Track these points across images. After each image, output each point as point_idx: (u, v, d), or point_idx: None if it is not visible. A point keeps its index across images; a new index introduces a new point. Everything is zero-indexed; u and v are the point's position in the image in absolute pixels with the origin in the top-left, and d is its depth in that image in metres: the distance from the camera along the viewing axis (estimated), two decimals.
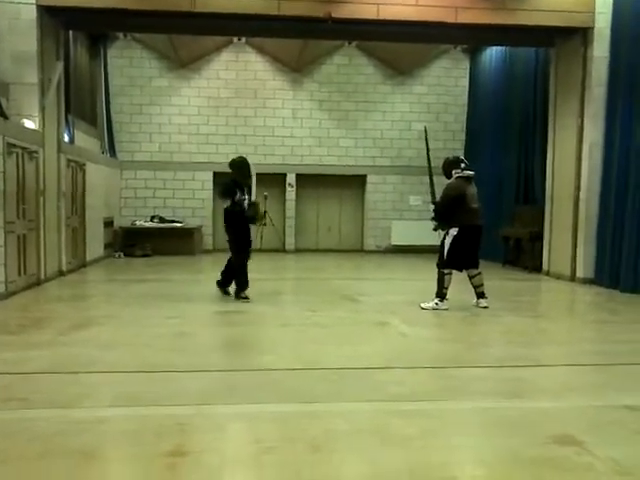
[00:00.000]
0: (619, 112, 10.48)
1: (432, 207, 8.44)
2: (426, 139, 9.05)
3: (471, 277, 8.39)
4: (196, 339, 6.47)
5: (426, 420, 4.03)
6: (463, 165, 8.34)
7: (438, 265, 8.32)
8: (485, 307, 8.28)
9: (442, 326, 7.52)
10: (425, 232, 16.47)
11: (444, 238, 8.27)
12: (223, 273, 9.06)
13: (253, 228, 9.08)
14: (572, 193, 11.35)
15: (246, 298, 8.60)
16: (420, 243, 16.30)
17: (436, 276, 8.32)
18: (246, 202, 8.66)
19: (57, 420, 3.94)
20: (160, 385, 4.77)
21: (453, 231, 8.12)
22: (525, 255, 13.30)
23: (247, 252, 8.80)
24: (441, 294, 8.20)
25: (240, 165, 8.80)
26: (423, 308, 8.15)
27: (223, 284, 9.08)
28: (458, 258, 8.16)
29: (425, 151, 8.95)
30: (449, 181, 8.35)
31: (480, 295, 8.39)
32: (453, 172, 8.31)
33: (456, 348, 6.31)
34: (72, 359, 5.53)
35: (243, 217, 8.68)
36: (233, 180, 8.74)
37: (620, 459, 3.41)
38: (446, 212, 8.21)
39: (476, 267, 8.35)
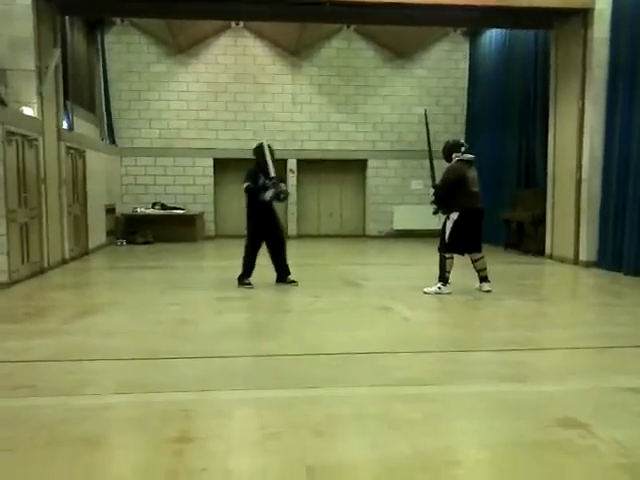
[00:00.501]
0: (620, 94, 10.42)
1: (432, 191, 8.43)
2: (426, 122, 9.00)
3: (474, 261, 8.38)
4: (198, 325, 6.48)
5: (430, 404, 4.04)
6: (463, 149, 8.31)
7: (440, 249, 8.31)
8: (488, 291, 8.27)
9: (445, 310, 7.52)
10: (427, 216, 16.50)
11: (445, 222, 8.25)
12: (278, 261, 8.97)
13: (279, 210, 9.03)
14: (574, 176, 11.31)
15: (249, 284, 8.60)
16: (422, 227, 16.26)
17: (438, 260, 8.32)
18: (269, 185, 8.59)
19: (62, 408, 3.96)
20: (163, 372, 4.78)
21: (454, 215, 8.11)
22: (527, 238, 13.28)
23: (264, 239, 8.77)
24: (444, 278, 8.20)
25: (257, 151, 8.78)
26: (426, 292, 8.15)
27: (280, 272, 8.98)
28: (459, 242, 8.15)
29: (426, 134, 8.91)
30: (449, 164, 8.33)
31: (483, 279, 8.38)
32: (453, 155, 8.28)
33: (459, 332, 6.31)
34: (76, 347, 5.54)
35: (263, 203, 8.66)
36: (256, 166, 8.72)
37: (624, 441, 3.41)
38: (446, 196, 8.19)
39: (479, 251, 8.34)
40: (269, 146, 8.82)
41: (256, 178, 8.63)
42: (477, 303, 7.82)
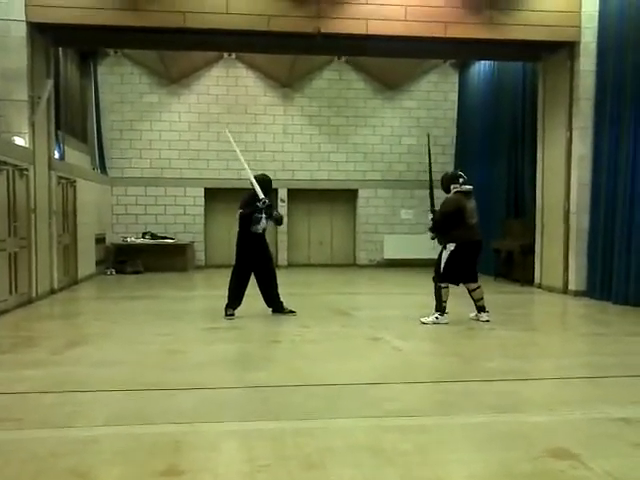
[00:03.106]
0: (606, 124, 10.58)
1: (430, 216, 8.46)
2: (428, 146, 9.12)
3: (471, 291, 8.39)
4: (188, 356, 6.43)
5: (421, 435, 4.02)
6: (462, 180, 8.36)
7: (434, 279, 8.33)
8: (487, 321, 8.27)
9: (436, 340, 7.50)
10: (417, 246, 16.73)
11: (441, 252, 8.28)
12: (268, 293, 8.95)
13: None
14: (562, 206, 11.42)
15: (232, 315, 8.56)
16: (412, 257, 16.38)
17: (433, 290, 8.33)
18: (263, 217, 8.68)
19: (51, 440, 3.91)
20: (153, 403, 4.74)
21: (450, 246, 8.13)
22: (517, 268, 13.34)
23: (253, 269, 8.76)
24: (440, 308, 8.20)
25: (260, 180, 8.81)
26: (424, 323, 8.13)
27: (271, 304, 8.94)
28: (455, 273, 8.17)
29: (427, 158, 8.98)
30: (447, 196, 8.38)
31: (481, 309, 8.38)
32: (452, 187, 8.33)
33: (450, 362, 6.30)
34: (65, 378, 5.49)
35: (255, 233, 8.70)
36: (252, 195, 8.75)
37: (615, 472, 3.40)
38: (444, 226, 8.23)
39: (475, 281, 8.35)
40: (264, 177, 8.95)
41: (250, 204, 8.66)
42: (468, 333, 7.82)
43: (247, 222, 8.68)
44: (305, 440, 3.91)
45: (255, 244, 8.76)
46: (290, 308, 8.89)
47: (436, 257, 8.45)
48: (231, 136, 9.81)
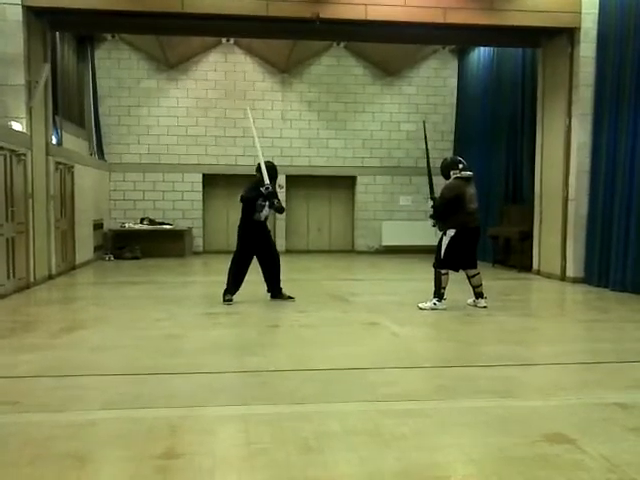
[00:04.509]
0: (606, 112, 10.55)
1: (430, 203, 8.44)
2: (425, 133, 9.10)
3: (470, 277, 8.41)
4: (185, 341, 6.44)
5: (418, 420, 4.03)
6: (461, 166, 8.35)
7: (434, 265, 8.34)
8: (484, 307, 8.29)
9: (433, 326, 7.52)
10: (415, 232, 16.74)
11: (441, 238, 8.28)
12: (270, 278, 8.97)
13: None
14: (561, 192, 11.41)
15: (230, 301, 8.57)
16: (410, 243, 16.37)
17: (433, 276, 8.34)
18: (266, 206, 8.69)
19: (48, 424, 3.92)
20: (150, 387, 4.75)
21: (451, 232, 8.14)
22: (515, 254, 13.35)
23: (255, 255, 8.81)
24: (439, 294, 8.21)
25: (268, 167, 8.74)
26: (421, 308, 8.15)
27: (271, 289, 8.97)
28: (455, 259, 8.18)
29: (424, 145, 8.98)
30: (447, 182, 8.37)
31: (479, 295, 8.41)
32: (451, 173, 8.33)
33: (448, 347, 6.32)
34: (62, 362, 5.50)
35: (258, 222, 8.73)
36: (256, 181, 8.72)
37: (611, 456, 3.42)
38: (444, 212, 8.22)
39: (474, 267, 8.38)
40: (271, 164, 8.89)
41: (253, 190, 8.64)
42: (466, 319, 7.83)
43: (250, 208, 8.67)
44: (302, 424, 3.92)
45: (257, 231, 8.76)
46: (289, 294, 8.90)
47: (435, 244, 8.45)
48: (251, 116, 9.70)
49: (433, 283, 8.32)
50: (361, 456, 3.44)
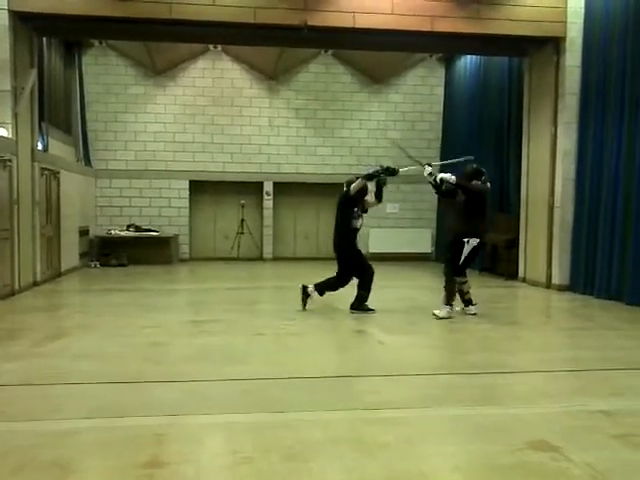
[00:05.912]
0: (591, 120, 10.64)
1: (429, 169, 8.50)
2: (401, 148, 9.19)
3: (461, 284, 8.46)
4: (171, 349, 6.42)
5: (402, 428, 4.03)
6: (484, 177, 8.53)
7: (448, 274, 8.36)
8: (474, 314, 8.34)
9: (419, 333, 7.52)
10: (402, 240, 16.75)
11: (456, 246, 8.27)
12: (328, 283, 8.96)
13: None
14: (547, 201, 11.48)
15: (371, 310, 8.53)
16: (397, 251, 16.38)
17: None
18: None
19: (32, 433, 3.89)
20: (135, 396, 4.72)
21: (474, 242, 8.21)
22: (501, 262, 13.40)
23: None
24: (451, 301, 8.27)
25: (349, 182, 9.32)
26: (439, 317, 8.10)
27: (321, 291, 8.91)
28: (465, 266, 8.37)
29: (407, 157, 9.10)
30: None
31: (469, 302, 8.46)
32: (474, 182, 8.44)
33: (433, 355, 6.34)
34: (47, 370, 5.45)
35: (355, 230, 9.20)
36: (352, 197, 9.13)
37: (595, 464, 3.44)
38: (469, 210, 8.25)
39: (464, 275, 8.49)
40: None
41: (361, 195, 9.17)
42: (452, 326, 7.85)
43: (349, 215, 9.15)
44: (286, 432, 3.91)
45: (354, 239, 9.12)
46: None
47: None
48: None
49: (445, 290, 8.31)
50: (346, 465, 3.44)
